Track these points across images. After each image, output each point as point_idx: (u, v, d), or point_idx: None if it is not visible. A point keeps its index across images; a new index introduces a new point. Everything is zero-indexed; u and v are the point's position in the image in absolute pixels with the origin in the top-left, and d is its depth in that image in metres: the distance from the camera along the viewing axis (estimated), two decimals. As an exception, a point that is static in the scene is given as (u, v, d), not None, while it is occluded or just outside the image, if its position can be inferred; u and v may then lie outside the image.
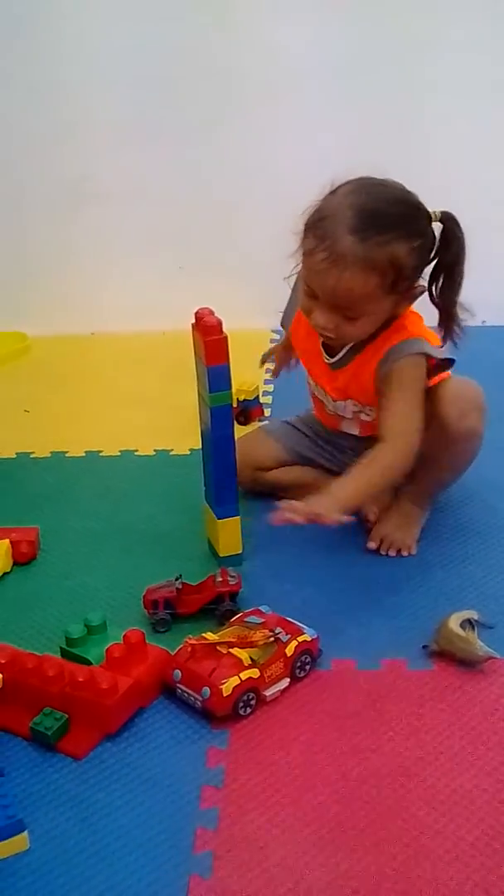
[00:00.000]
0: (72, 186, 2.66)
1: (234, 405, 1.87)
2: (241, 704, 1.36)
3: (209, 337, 1.56)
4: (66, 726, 1.34)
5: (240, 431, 1.89)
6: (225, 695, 1.34)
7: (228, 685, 1.34)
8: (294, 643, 1.42)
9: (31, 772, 1.30)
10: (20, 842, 1.17)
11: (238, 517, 1.67)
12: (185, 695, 1.38)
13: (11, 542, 1.73)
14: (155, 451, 2.12)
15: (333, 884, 1.12)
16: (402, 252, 1.49)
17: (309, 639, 1.44)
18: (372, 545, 1.72)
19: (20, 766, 1.30)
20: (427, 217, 1.54)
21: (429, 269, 1.59)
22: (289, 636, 1.43)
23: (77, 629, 1.48)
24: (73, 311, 2.75)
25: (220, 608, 1.55)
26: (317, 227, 1.51)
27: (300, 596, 1.60)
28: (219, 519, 1.67)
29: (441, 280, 1.59)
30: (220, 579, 1.56)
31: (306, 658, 1.43)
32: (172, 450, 2.11)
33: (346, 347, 1.65)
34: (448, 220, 1.55)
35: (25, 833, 1.18)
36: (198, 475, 1.73)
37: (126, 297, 2.74)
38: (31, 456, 2.13)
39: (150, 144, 2.62)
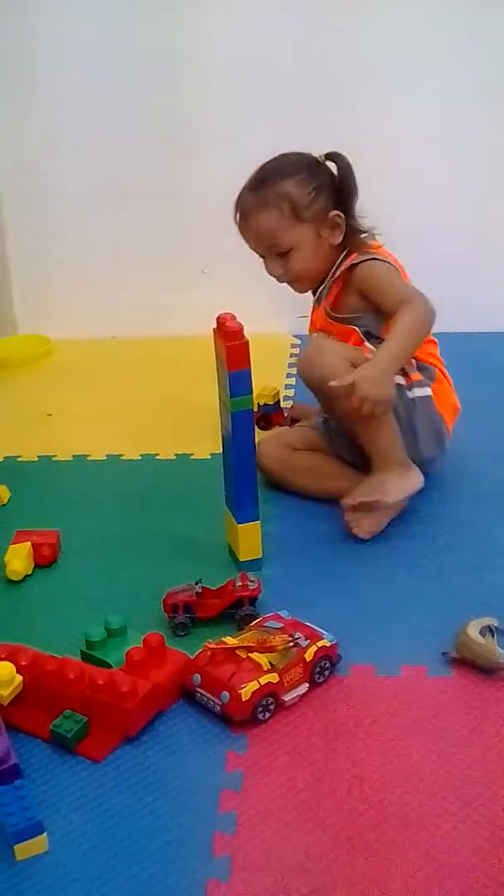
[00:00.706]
0: (96, 190, 2.67)
1: (255, 410, 1.87)
2: (260, 709, 1.36)
3: (231, 342, 1.56)
4: (85, 729, 1.34)
5: (260, 436, 1.90)
6: (244, 699, 1.34)
7: (248, 690, 1.34)
8: (313, 648, 1.42)
9: (50, 774, 1.30)
10: (39, 843, 1.18)
11: (258, 522, 1.68)
12: (205, 699, 1.39)
13: (33, 545, 1.74)
14: (176, 455, 2.13)
15: (351, 889, 1.12)
16: (287, 186, 1.82)
17: (328, 644, 1.44)
18: (348, 501, 1.77)
19: (40, 768, 1.31)
20: (315, 161, 1.85)
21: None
22: (308, 641, 1.43)
23: (97, 632, 1.48)
24: (94, 314, 2.77)
25: (239, 612, 1.55)
26: (235, 202, 1.87)
27: (320, 601, 1.60)
28: (239, 524, 1.67)
29: (340, 198, 1.86)
30: (240, 584, 1.57)
31: (325, 663, 1.44)
32: (193, 454, 2.12)
33: (324, 284, 1.89)
34: (334, 155, 1.85)
35: (44, 835, 1.18)
36: (218, 480, 1.73)
37: (148, 301, 2.75)
38: (53, 459, 2.14)
39: (173, 148, 2.63)
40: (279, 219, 1.82)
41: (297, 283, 1.92)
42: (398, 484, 1.78)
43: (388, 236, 1.89)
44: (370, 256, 1.85)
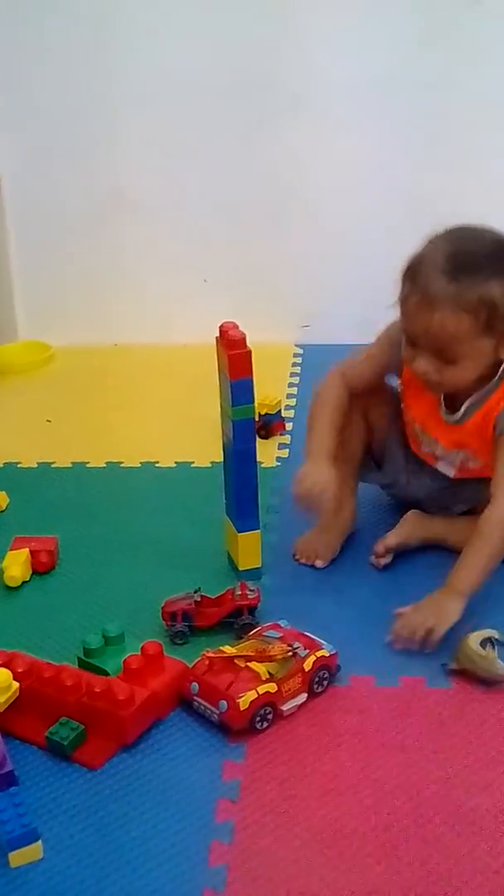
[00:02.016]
0: (99, 197, 2.68)
1: (256, 419, 1.87)
2: (258, 718, 1.35)
3: (233, 351, 1.56)
4: (82, 736, 1.34)
5: (261, 445, 1.89)
6: (242, 708, 1.33)
7: (245, 699, 1.34)
8: (312, 658, 1.42)
9: (46, 781, 1.29)
10: (34, 851, 1.17)
11: (258, 531, 1.67)
12: (202, 708, 1.38)
13: (31, 552, 1.73)
14: (176, 462, 2.12)
15: (348, 901, 1.12)
16: (495, 291, 1.49)
17: (327, 654, 1.43)
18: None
19: (35, 776, 1.30)
20: None
21: None
22: (307, 651, 1.42)
23: (95, 640, 1.48)
24: (96, 321, 2.76)
25: (238, 622, 1.55)
26: (411, 273, 1.53)
27: (319, 611, 1.60)
28: (239, 532, 1.66)
29: None
30: (239, 593, 1.56)
31: (324, 673, 1.43)
32: (193, 462, 2.11)
33: (467, 403, 1.62)
34: None
35: (39, 842, 1.18)
36: (219, 488, 1.73)
37: (150, 309, 2.75)
38: (53, 466, 2.14)
39: (177, 157, 2.63)
40: (470, 328, 1.50)
41: (444, 389, 1.62)
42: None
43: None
44: None
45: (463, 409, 1.63)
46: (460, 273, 1.48)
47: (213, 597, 1.58)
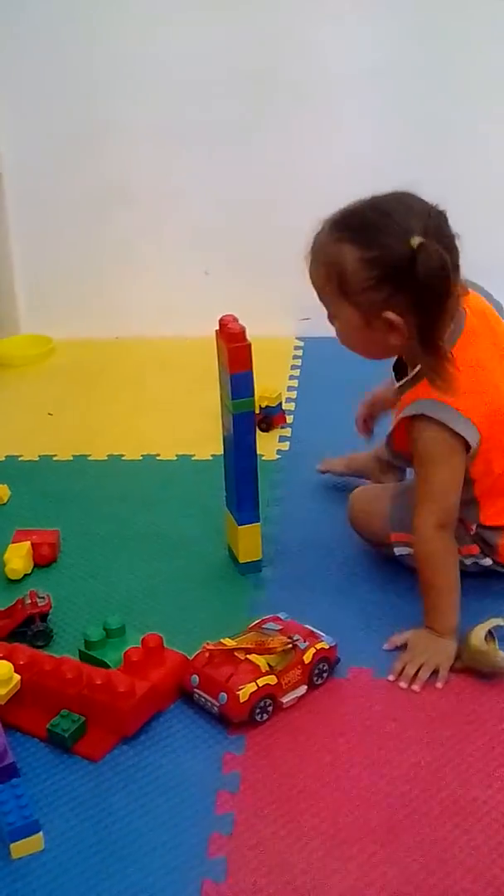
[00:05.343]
0: (100, 190, 2.67)
1: (257, 412, 1.87)
2: (258, 710, 1.36)
3: (232, 344, 1.56)
4: (82, 728, 1.34)
5: (261, 438, 1.89)
6: (242, 701, 1.34)
7: (245, 691, 1.34)
8: (312, 650, 1.42)
9: (47, 773, 1.30)
10: (36, 842, 1.18)
11: (258, 524, 1.67)
12: (202, 700, 1.39)
13: (32, 545, 1.74)
14: (177, 455, 2.13)
15: (348, 892, 1.12)
16: (347, 256, 1.42)
17: (327, 646, 1.44)
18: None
19: (36, 768, 1.31)
20: (401, 235, 1.37)
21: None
22: (307, 643, 1.43)
23: (96, 632, 1.48)
24: (97, 315, 2.76)
25: (31, 630, 1.53)
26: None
27: (319, 603, 1.60)
28: (239, 525, 1.67)
29: (412, 315, 1.41)
30: (29, 601, 1.55)
31: (324, 665, 1.43)
32: (194, 455, 2.11)
33: (409, 376, 1.51)
34: (422, 250, 1.36)
35: (41, 834, 1.18)
36: (219, 481, 1.73)
37: (151, 302, 2.75)
38: (54, 459, 2.14)
39: (179, 149, 2.63)
40: (326, 284, 1.46)
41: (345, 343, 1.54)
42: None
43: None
44: (422, 411, 1.45)
45: (404, 379, 1.52)
46: (336, 228, 1.45)
47: (3, 609, 1.57)
